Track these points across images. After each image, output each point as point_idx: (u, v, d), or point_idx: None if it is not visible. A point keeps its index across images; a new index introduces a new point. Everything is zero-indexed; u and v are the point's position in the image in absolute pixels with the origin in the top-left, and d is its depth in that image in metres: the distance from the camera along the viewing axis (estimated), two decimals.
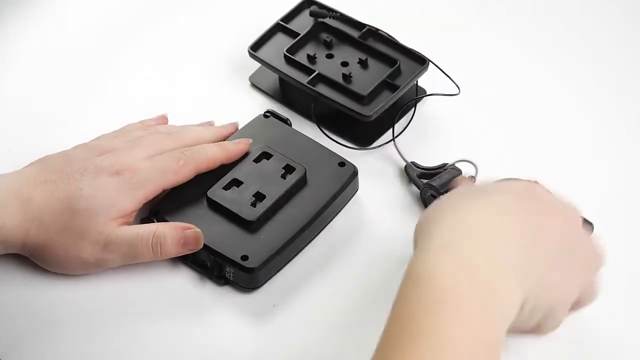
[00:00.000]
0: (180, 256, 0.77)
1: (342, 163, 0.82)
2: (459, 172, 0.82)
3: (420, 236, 0.65)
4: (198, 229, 0.76)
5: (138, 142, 0.80)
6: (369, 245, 0.81)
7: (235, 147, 0.81)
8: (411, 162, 0.84)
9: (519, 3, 1.01)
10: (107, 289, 0.77)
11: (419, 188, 0.82)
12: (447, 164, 0.82)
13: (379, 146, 0.87)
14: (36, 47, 0.96)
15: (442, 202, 0.67)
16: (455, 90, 0.88)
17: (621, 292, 0.77)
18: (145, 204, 0.77)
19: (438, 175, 0.81)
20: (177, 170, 0.78)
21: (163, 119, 0.86)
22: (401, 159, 0.85)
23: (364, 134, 0.88)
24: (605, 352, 0.75)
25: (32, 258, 0.76)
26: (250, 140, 0.82)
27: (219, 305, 0.76)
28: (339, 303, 0.77)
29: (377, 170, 0.85)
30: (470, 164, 0.81)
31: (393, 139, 0.86)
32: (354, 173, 0.82)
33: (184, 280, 0.78)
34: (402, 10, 1.00)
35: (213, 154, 0.80)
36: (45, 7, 0.99)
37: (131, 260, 0.76)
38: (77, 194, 0.75)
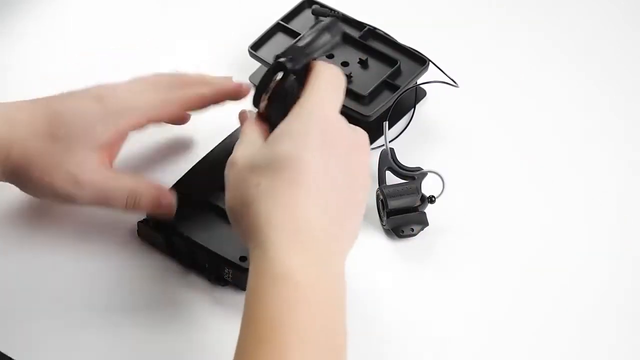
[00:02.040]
0: (178, 258, 0.78)
1: None
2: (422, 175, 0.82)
3: (245, 222, 0.64)
4: (173, 200, 0.76)
5: (134, 78, 0.79)
6: (367, 246, 0.81)
7: (223, 82, 0.80)
8: (391, 159, 0.83)
9: (519, 3, 1.01)
10: (106, 287, 0.77)
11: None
12: (421, 168, 0.82)
13: (379, 146, 0.87)
14: (37, 45, 0.97)
15: (246, 181, 0.65)
16: (455, 89, 0.88)
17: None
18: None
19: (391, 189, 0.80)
20: (163, 101, 0.76)
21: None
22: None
23: None
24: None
25: (10, 181, 0.75)
26: (231, 77, 0.80)
27: (219, 307, 0.76)
28: None
29: (377, 170, 0.85)
30: (438, 177, 0.81)
31: (384, 136, 0.86)
32: None
33: (184, 281, 0.78)
34: (402, 10, 1.00)
35: (202, 91, 0.78)
36: (45, 7, 0.99)
37: (101, 205, 0.75)
38: (57, 119, 0.73)
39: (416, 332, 0.76)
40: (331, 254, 0.63)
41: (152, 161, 0.84)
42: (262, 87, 0.70)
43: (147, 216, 0.78)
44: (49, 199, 0.77)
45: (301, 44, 0.71)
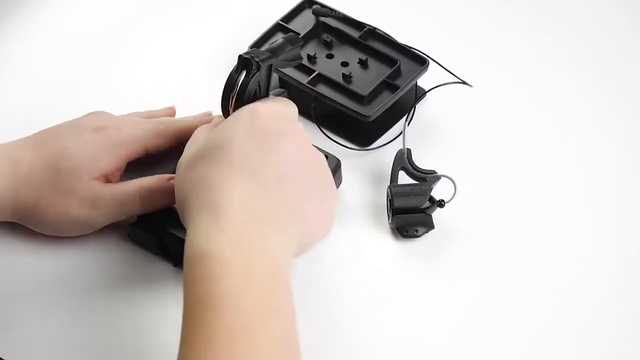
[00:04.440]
0: (170, 258, 0.77)
1: (326, 156, 0.81)
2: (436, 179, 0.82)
3: (182, 218, 0.67)
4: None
5: (131, 113, 0.83)
6: (371, 242, 0.81)
7: (206, 117, 0.84)
8: (407, 160, 0.83)
9: (520, 3, 1.01)
10: (99, 289, 0.77)
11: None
12: (435, 171, 0.82)
13: (379, 147, 0.87)
14: (39, 44, 0.96)
15: (189, 166, 0.69)
16: (455, 89, 0.88)
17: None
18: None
19: None
20: (159, 132, 0.80)
21: (170, 110, 0.87)
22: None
23: (364, 134, 0.88)
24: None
25: (24, 222, 0.77)
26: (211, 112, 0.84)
27: None
28: (317, 296, 0.77)
29: (377, 170, 0.85)
30: (450, 181, 0.81)
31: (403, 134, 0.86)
32: (337, 166, 0.81)
33: (175, 282, 0.78)
34: (402, 10, 1.00)
35: (192, 122, 0.81)
36: (47, 6, 0.99)
37: (120, 215, 0.77)
38: (62, 153, 0.76)
39: (415, 332, 0.76)
40: (261, 234, 0.64)
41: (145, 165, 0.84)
42: (228, 88, 0.72)
43: (137, 217, 0.78)
44: (69, 233, 0.77)
45: (265, 48, 0.74)
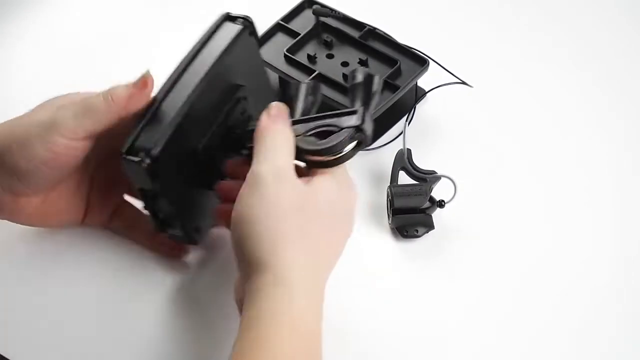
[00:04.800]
0: (143, 201, 0.74)
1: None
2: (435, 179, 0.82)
3: (266, 251, 0.66)
4: (146, 72, 0.72)
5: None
6: (371, 242, 0.81)
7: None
8: (407, 160, 0.84)
9: (520, 3, 1.01)
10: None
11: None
12: (435, 172, 0.82)
13: (380, 147, 0.87)
14: (39, 44, 0.97)
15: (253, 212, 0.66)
16: (455, 89, 0.88)
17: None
18: None
19: None
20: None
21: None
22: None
23: None
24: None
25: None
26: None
27: (204, 298, 0.77)
28: None
29: (377, 170, 0.85)
30: (450, 181, 0.81)
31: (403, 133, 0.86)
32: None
33: (172, 272, 0.78)
34: (402, 10, 1.00)
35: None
36: (47, 6, 0.99)
37: (85, 116, 0.70)
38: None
39: (415, 332, 0.76)
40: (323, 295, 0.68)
41: None
42: (333, 150, 0.70)
43: (139, 153, 0.71)
44: (44, 180, 0.73)
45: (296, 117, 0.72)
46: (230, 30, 0.76)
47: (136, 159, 0.69)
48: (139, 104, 0.71)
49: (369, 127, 0.71)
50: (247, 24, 0.76)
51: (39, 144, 0.70)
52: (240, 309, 0.66)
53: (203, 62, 0.73)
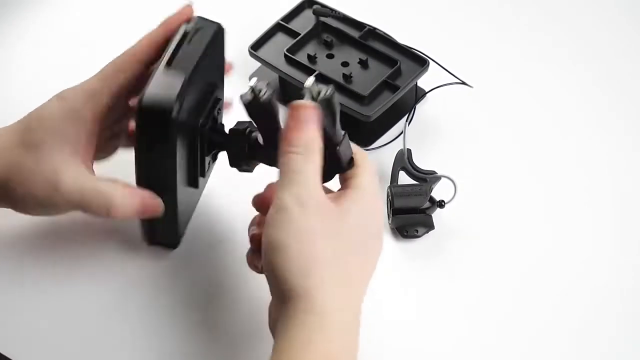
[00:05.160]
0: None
1: None
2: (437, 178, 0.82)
3: (302, 278, 0.63)
4: (160, 201, 0.73)
5: None
6: None
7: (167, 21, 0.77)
8: (407, 160, 0.84)
9: (520, 3, 1.01)
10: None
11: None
12: (435, 172, 0.82)
13: (380, 147, 0.87)
14: (39, 44, 0.97)
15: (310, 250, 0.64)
16: (455, 89, 0.88)
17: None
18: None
19: None
20: (119, 67, 0.74)
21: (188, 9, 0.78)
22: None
23: (364, 134, 0.88)
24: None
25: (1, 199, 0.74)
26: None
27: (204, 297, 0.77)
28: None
29: (377, 170, 0.85)
30: (450, 181, 0.81)
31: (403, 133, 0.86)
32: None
33: (171, 271, 0.78)
34: (402, 10, 1.00)
35: (150, 34, 0.75)
36: (47, 6, 0.99)
37: (82, 211, 0.73)
38: (27, 125, 0.73)
39: (415, 332, 0.76)
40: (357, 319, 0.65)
41: None
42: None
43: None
44: (36, 212, 0.75)
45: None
46: (212, 31, 0.76)
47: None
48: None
49: (345, 150, 0.69)
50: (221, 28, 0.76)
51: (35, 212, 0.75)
52: (274, 335, 0.64)
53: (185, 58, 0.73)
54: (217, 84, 0.78)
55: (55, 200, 0.72)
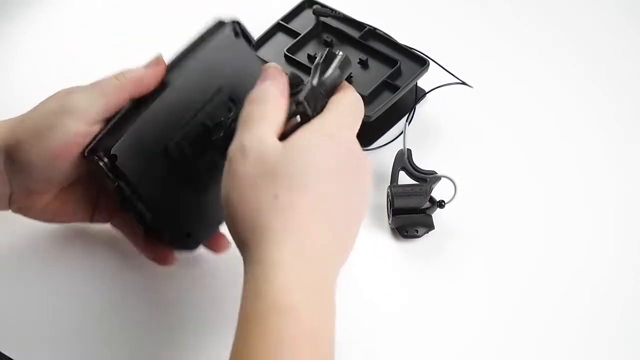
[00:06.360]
0: (120, 204, 0.73)
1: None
2: (437, 179, 0.81)
3: (249, 230, 0.61)
4: (161, 56, 0.73)
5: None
6: (371, 243, 0.81)
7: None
8: (407, 160, 0.83)
9: (520, 3, 1.01)
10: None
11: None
12: (435, 172, 0.82)
13: (380, 147, 0.87)
14: (39, 44, 0.97)
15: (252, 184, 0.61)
16: (455, 89, 0.88)
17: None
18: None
19: None
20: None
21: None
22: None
23: (364, 134, 0.87)
24: None
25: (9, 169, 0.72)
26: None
27: (204, 297, 0.77)
28: None
29: (377, 170, 0.85)
30: (450, 182, 0.80)
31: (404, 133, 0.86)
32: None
33: (170, 271, 0.78)
34: (402, 10, 1.00)
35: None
36: (47, 6, 0.99)
37: (97, 96, 0.70)
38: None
39: (415, 332, 0.76)
40: (329, 280, 0.62)
41: None
42: (324, 64, 0.67)
43: (98, 150, 0.70)
44: (41, 173, 0.72)
45: (315, 81, 0.67)
46: (216, 33, 0.76)
47: (94, 158, 0.69)
48: (150, 84, 0.71)
49: (310, 99, 0.65)
50: (236, 27, 0.75)
51: (51, 133, 0.69)
52: None
53: (184, 64, 0.74)
54: (237, 83, 0.75)
55: (67, 125, 0.69)
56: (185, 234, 0.74)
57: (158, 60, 0.72)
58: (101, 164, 0.69)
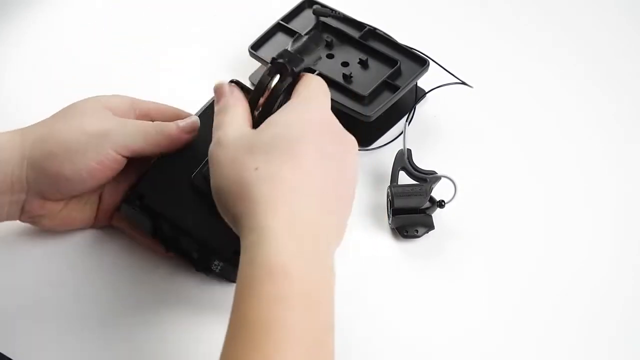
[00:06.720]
0: (165, 246, 0.76)
1: None
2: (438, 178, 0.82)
3: (239, 206, 0.63)
4: (195, 118, 0.78)
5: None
6: (371, 242, 0.81)
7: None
8: (407, 160, 0.83)
9: (520, 3, 1.01)
10: (97, 282, 0.77)
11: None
12: (435, 172, 0.82)
13: (380, 147, 0.87)
14: (39, 44, 0.97)
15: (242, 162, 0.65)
16: (456, 89, 0.88)
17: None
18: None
19: None
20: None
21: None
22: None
23: (364, 134, 0.88)
24: None
25: (34, 179, 0.74)
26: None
27: (204, 298, 0.76)
28: None
29: (377, 170, 0.85)
30: (450, 181, 0.80)
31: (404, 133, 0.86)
32: None
33: (170, 270, 0.78)
34: (402, 10, 1.00)
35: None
36: (47, 6, 0.99)
37: (139, 138, 0.75)
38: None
39: (415, 332, 0.76)
40: (323, 245, 0.63)
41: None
42: (260, 87, 0.70)
43: (131, 197, 0.76)
44: (69, 187, 0.75)
45: (292, 49, 0.71)
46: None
47: (127, 206, 0.76)
48: (180, 143, 0.76)
49: (289, 57, 0.70)
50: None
51: (91, 153, 0.73)
52: None
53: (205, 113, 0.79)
54: None
55: (106, 128, 0.74)
56: (233, 252, 0.73)
57: (194, 126, 0.77)
58: (134, 209, 0.75)
